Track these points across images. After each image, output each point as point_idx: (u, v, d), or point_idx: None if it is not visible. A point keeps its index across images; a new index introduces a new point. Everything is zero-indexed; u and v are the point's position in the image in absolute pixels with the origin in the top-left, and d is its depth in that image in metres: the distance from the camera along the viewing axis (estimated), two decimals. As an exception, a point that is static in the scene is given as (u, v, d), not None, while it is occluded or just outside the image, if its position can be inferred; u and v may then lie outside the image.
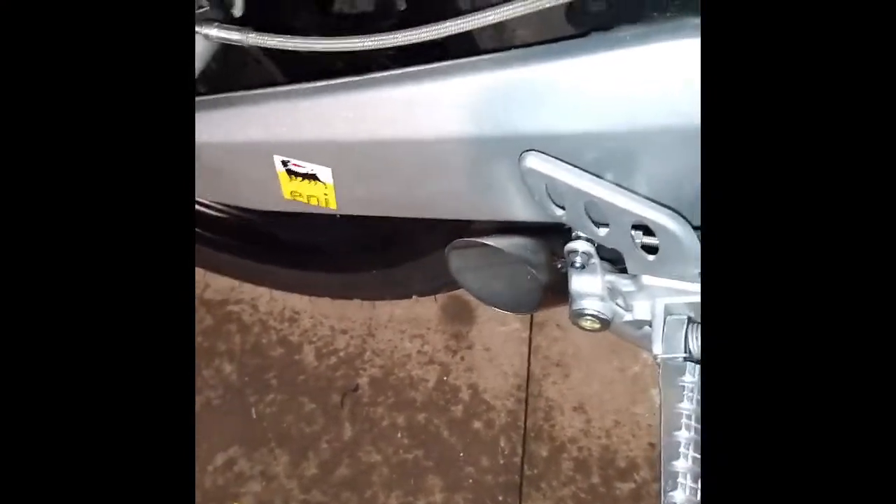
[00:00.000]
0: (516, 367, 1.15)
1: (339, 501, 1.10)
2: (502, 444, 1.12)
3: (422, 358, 1.16)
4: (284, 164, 0.61)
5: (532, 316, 1.17)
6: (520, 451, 1.11)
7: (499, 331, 1.17)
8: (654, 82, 0.49)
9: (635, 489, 1.08)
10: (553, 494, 1.09)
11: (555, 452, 1.11)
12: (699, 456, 0.49)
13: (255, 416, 1.14)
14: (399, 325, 1.17)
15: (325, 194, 0.62)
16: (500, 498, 1.10)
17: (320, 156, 0.59)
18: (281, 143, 0.59)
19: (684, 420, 0.50)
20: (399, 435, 1.13)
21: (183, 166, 0.42)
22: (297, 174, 0.61)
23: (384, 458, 1.12)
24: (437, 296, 1.17)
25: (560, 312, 1.24)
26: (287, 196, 0.64)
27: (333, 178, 0.60)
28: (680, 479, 0.48)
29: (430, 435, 1.13)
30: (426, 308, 1.18)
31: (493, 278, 0.63)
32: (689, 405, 0.51)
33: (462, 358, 1.16)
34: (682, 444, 0.49)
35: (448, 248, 0.61)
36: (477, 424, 1.13)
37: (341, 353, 1.16)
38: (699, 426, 0.50)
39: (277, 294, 1.16)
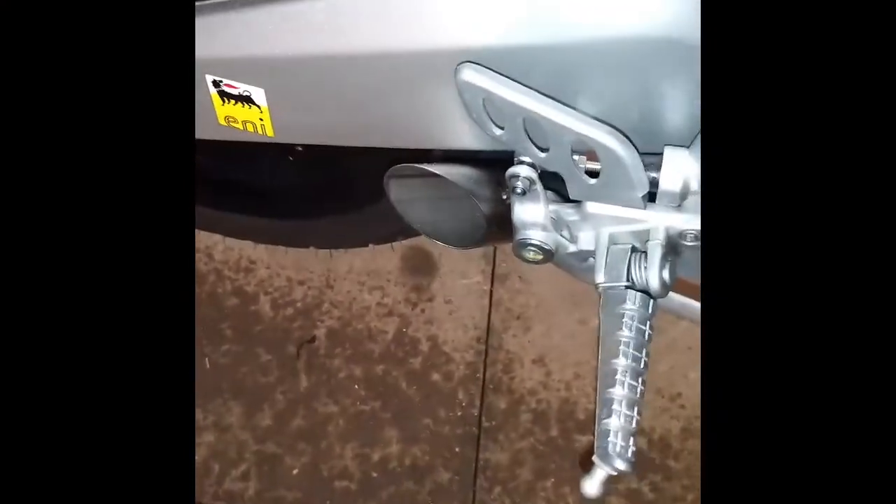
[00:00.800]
0: (477, 320, 1.13)
1: (294, 452, 1.09)
2: (460, 396, 1.10)
3: (381, 310, 1.14)
4: (216, 84, 0.57)
5: (494, 268, 1.16)
6: (478, 403, 1.10)
7: (460, 283, 1.15)
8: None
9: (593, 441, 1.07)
10: (511, 446, 1.08)
11: (513, 405, 1.10)
12: (636, 383, 0.48)
13: (208, 367, 1.11)
14: (358, 277, 1.15)
15: (261, 119, 0.59)
16: (457, 450, 1.09)
17: (253, 75, 0.56)
18: (212, 61, 0.56)
19: (622, 348, 0.48)
20: (356, 386, 1.11)
21: (182, 154, 0.41)
22: (230, 96, 0.58)
23: (340, 410, 1.10)
24: (399, 248, 1.15)
25: (523, 266, 1.23)
26: (222, 122, 0.61)
27: (267, 99, 0.57)
28: (615, 406, 0.46)
29: (387, 387, 1.11)
30: (387, 260, 1.15)
31: (437, 210, 0.61)
32: (628, 332, 0.49)
33: (422, 310, 1.14)
34: (619, 372, 0.48)
35: (387, 175, 0.58)
36: (435, 376, 1.11)
37: (298, 304, 1.14)
38: (637, 354, 0.48)
39: (233, 243, 1.13)
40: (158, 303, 0.40)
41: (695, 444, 1.07)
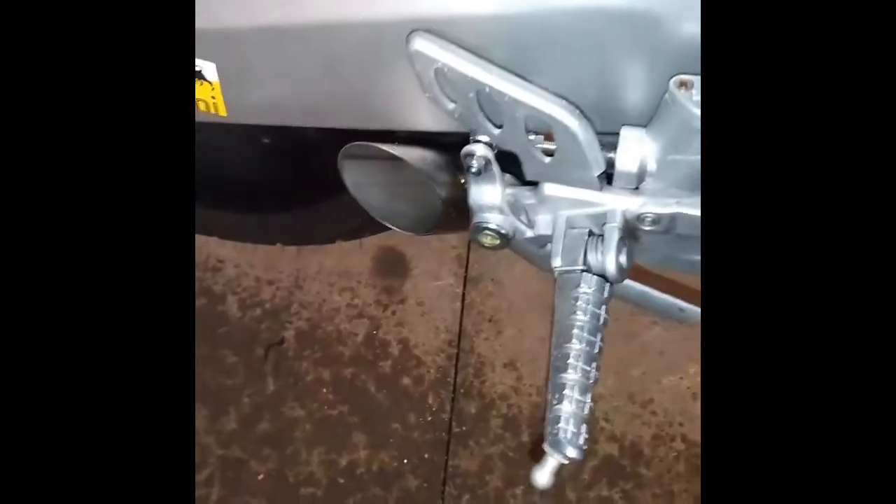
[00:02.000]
0: (448, 323, 1.11)
1: (259, 458, 1.06)
2: (430, 400, 1.08)
3: (351, 311, 1.12)
4: (166, 60, 0.56)
5: (466, 271, 1.14)
6: (448, 407, 1.08)
7: (432, 285, 1.13)
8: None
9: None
10: (481, 452, 1.06)
11: (484, 409, 1.07)
12: (588, 368, 0.46)
13: (173, 368, 1.09)
14: (328, 277, 1.13)
15: (213, 97, 0.58)
16: (427, 455, 1.06)
17: (203, 48, 0.54)
18: (160, 35, 0.54)
19: (576, 331, 0.46)
20: (324, 390, 1.09)
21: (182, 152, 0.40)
22: (180, 72, 0.56)
23: (308, 414, 1.07)
24: (370, 248, 1.13)
25: (496, 268, 1.21)
26: (173, 100, 0.59)
27: (219, 75, 0.55)
28: (567, 391, 0.44)
29: (356, 390, 1.08)
30: (357, 260, 1.13)
31: (393, 194, 0.59)
32: (582, 316, 0.47)
33: (393, 312, 1.12)
34: (572, 356, 0.46)
35: (342, 154, 0.56)
36: (406, 380, 1.09)
37: (266, 305, 1.12)
38: (591, 338, 0.46)
39: (201, 242, 1.11)
40: (159, 297, 0.39)
41: (666, 451, 1.05)
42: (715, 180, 0.37)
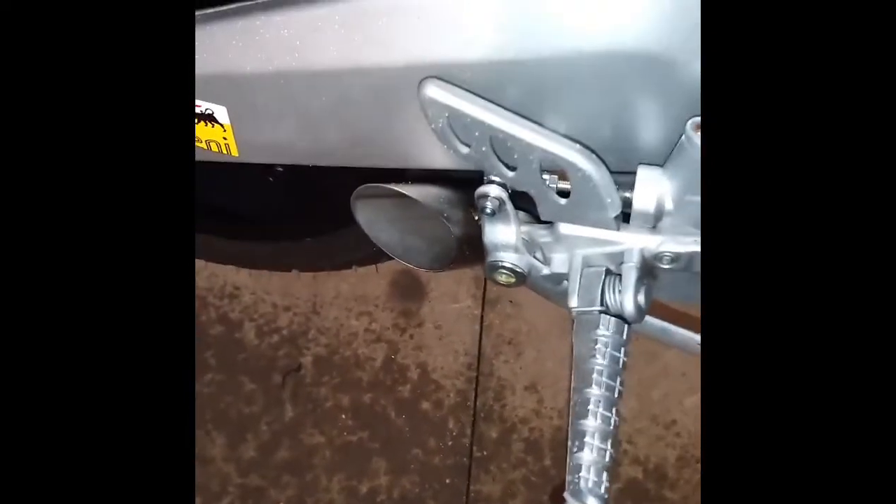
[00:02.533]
0: (467, 346, 1.10)
1: (279, 485, 1.06)
2: (451, 424, 1.07)
3: (369, 336, 1.11)
4: (177, 104, 0.56)
5: (485, 293, 1.13)
6: (469, 432, 1.07)
7: (450, 308, 1.13)
8: (566, 3, 0.44)
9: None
10: (503, 477, 1.05)
11: (505, 433, 1.07)
12: (609, 414, 0.45)
13: (192, 396, 1.09)
14: (346, 303, 1.12)
15: (225, 138, 0.57)
16: (448, 481, 1.05)
17: (214, 92, 0.54)
18: (172, 80, 0.54)
19: (595, 376, 0.45)
20: (343, 416, 1.08)
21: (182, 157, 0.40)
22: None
23: (327, 440, 1.07)
24: (387, 272, 1.13)
25: (514, 289, 1.20)
26: (186, 142, 0.59)
27: (230, 118, 0.55)
28: (587, 439, 0.44)
29: (375, 416, 1.08)
30: (374, 285, 1.13)
31: (406, 232, 0.58)
32: (601, 360, 0.46)
33: (411, 336, 1.11)
34: (592, 402, 0.45)
35: (354, 196, 0.56)
36: (425, 405, 1.08)
37: (284, 332, 1.11)
38: (611, 382, 0.46)
39: (217, 269, 1.11)
40: (158, 314, 0.39)
41: (691, 473, 1.03)
42: (714, 219, 0.37)
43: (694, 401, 1.07)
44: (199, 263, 1.11)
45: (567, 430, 1.07)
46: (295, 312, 1.12)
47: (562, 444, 1.06)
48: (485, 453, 1.06)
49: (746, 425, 0.35)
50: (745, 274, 0.36)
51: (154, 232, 0.40)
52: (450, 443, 1.07)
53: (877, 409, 0.35)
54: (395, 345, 1.11)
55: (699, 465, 1.04)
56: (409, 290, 1.13)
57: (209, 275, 1.13)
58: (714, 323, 0.36)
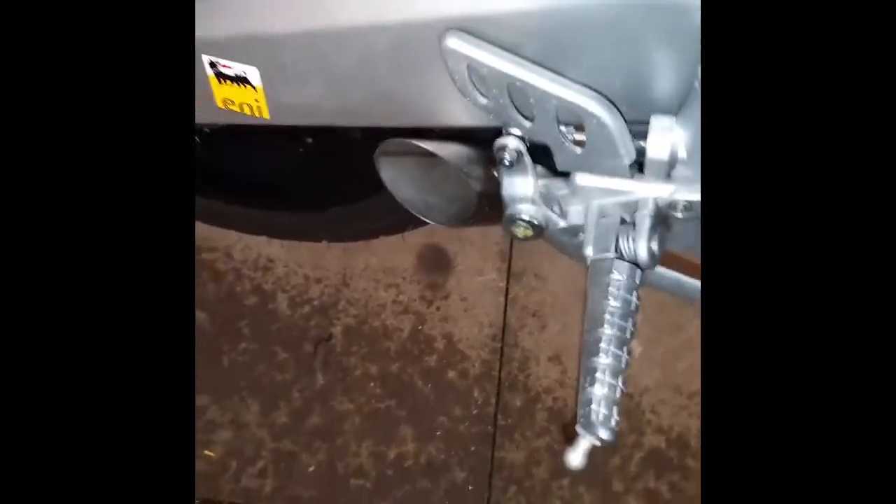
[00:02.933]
0: (492, 317, 1.13)
1: (310, 450, 1.09)
2: (476, 394, 1.09)
3: (397, 307, 1.14)
4: (213, 65, 0.59)
5: (510, 266, 1.15)
6: (493, 401, 1.09)
7: (476, 280, 1.15)
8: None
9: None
10: (527, 445, 1.07)
11: (529, 403, 1.09)
12: (620, 352, 0.47)
13: (226, 365, 1.12)
14: (374, 275, 1.15)
15: (257, 100, 0.60)
16: (473, 448, 1.08)
17: (247, 53, 0.57)
18: (207, 41, 0.57)
19: (607, 316, 0.47)
20: (372, 384, 1.11)
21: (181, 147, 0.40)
22: (226, 77, 0.59)
23: (356, 408, 1.10)
24: (414, 245, 1.15)
25: (538, 262, 1.22)
26: (220, 104, 0.62)
27: (262, 79, 0.58)
28: (598, 375, 0.46)
29: (403, 384, 1.11)
30: (402, 257, 1.15)
31: (428, 188, 0.61)
32: (613, 302, 0.48)
33: (438, 308, 1.14)
34: (604, 340, 0.47)
35: (378, 152, 0.58)
36: (451, 374, 1.11)
37: (315, 303, 1.15)
38: (622, 323, 0.47)
39: (252, 242, 1.15)
40: (158, 299, 0.39)
41: (714, 442, 1.05)
42: (715, 178, 0.38)
43: (717, 372, 1.08)
44: (234, 236, 1.15)
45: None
46: (326, 284, 1.15)
47: (585, 414, 1.08)
48: (509, 421, 1.08)
49: (746, 420, 0.36)
50: (745, 261, 0.37)
51: (154, 223, 0.40)
52: (475, 411, 1.09)
53: (878, 401, 0.35)
54: (421, 316, 1.13)
55: (722, 436, 1.05)
56: (435, 264, 1.16)
57: (244, 247, 1.16)
58: (714, 311, 0.37)
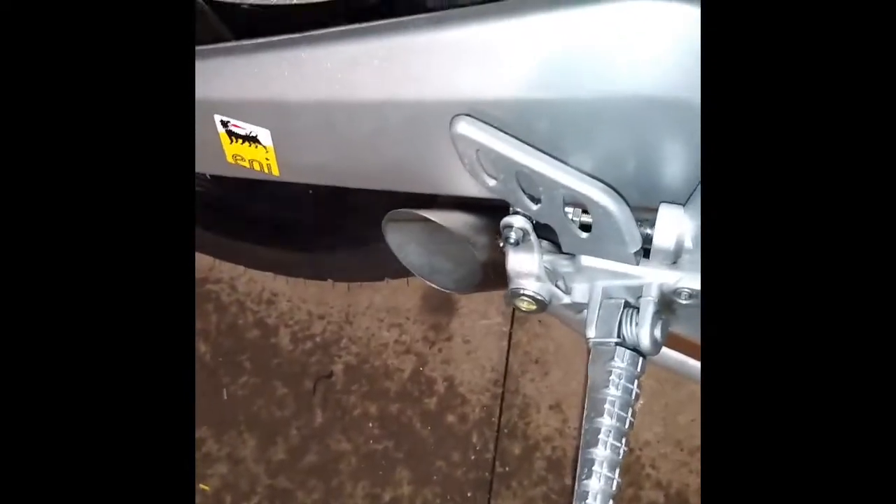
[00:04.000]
0: (494, 362, 1.12)
1: (306, 489, 1.09)
2: (475, 439, 1.09)
3: (399, 347, 1.14)
4: (224, 124, 0.59)
5: (514, 311, 1.15)
6: (492, 447, 1.09)
7: (479, 324, 1.15)
8: (595, 47, 0.46)
9: None
10: (524, 493, 1.06)
11: (528, 451, 1.08)
12: (618, 444, 0.46)
13: (226, 398, 1.12)
14: (377, 314, 1.15)
15: (267, 159, 0.60)
16: (470, 494, 1.07)
17: (259, 116, 0.57)
18: (221, 102, 0.57)
19: (607, 406, 0.47)
20: (370, 425, 1.11)
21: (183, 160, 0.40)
22: (237, 136, 0.59)
23: (354, 448, 1.10)
24: (419, 286, 1.15)
25: (543, 309, 1.22)
26: (230, 160, 0.62)
27: (273, 140, 0.58)
28: (595, 468, 0.45)
29: (401, 426, 1.10)
30: (406, 297, 1.15)
31: (434, 255, 0.61)
32: (615, 391, 0.48)
33: (440, 349, 1.13)
34: (603, 432, 0.46)
35: (385, 220, 0.58)
36: (450, 418, 1.10)
37: (317, 339, 1.15)
38: (622, 413, 0.47)
39: (257, 275, 1.15)
40: (159, 313, 0.39)
41: (712, 502, 1.04)
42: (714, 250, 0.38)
43: (718, 429, 1.07)
44: (238, 269, 1.15)
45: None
46: (329, 321, 1.15)
47: (584, 465, 1.07)
48: (507, 469, 1.08)
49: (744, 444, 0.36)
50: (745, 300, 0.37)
51: (155, 232, 0.40)
52: (473, 457, 1.08)
53: (877, 426, 0.35)
54: (423, 357, 1.13)
55: (721, 494, 1.04)
56: (439, 305, 1.16)
57: (248, 280, 1.16)
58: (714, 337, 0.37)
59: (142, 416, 0.39)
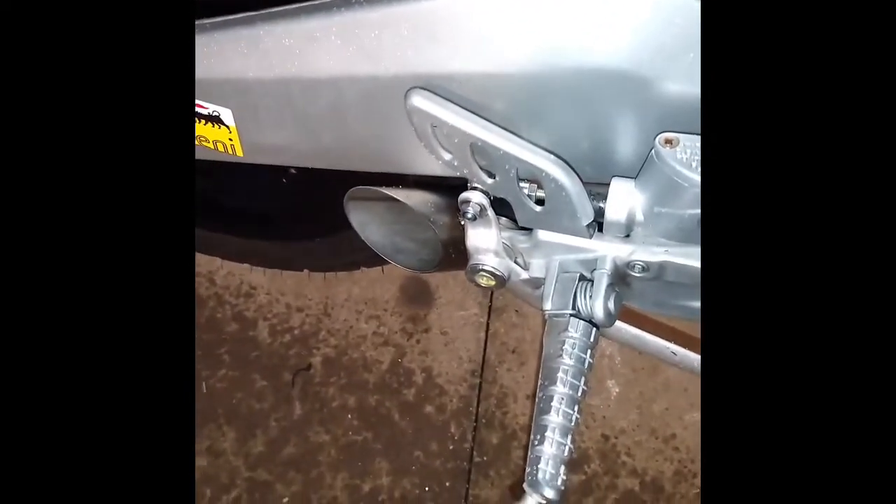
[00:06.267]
0: (472, 353, 1.13)
1: (285, 481, 1.09)
2: (453, 429, 1.09)
3: (377, 339, 1.14)
4: (187, 106, 0.59)
5: (491, 301, 1.15)
6: (470, 437, 1.09)
7: (457, 315, 1.15)
8: (545, 21, 0.47)
9: (585, 481, 1.05)
10: (501, 483, 1.07)
11: (506, 440, 1.09)
12: (571, 411, 0.47)
13: (205, 391, 1.13)
14: (356, 306, 1.16)
15: (230, 139, 0.61)
16: (448, 484, 1.07)
17: (220, 95, 0.58)
18: (182, 84, 0.58)
19: (560, 375, 0.48)
20: (349, 416, 1.11)
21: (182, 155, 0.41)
22: (200, 116, 0.60)
23: (332, 439, 1.10)
24: (397, 277, 1.16)
25: (520, 301, 1.22)
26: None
27: (235, 120, 0.59)
28: (548, 434, 0.46)
29: (380, 417, 1.11)
30: (384, 289, 1.16)
31: (397, 234, 0.61)
32: (568, 360, 0.48)
33: (418, 341, 1.14)
34: (556, 399, 0.47)
35: (347, 197, 0.59)
36: (429, 409, 1.11)
37: (296, 332, 1.15)
38: (575, 382, 0.48)
39: (235, 268, 1.16)
40: (159, 319, 0.40)
41: (688, 487, 1.04)
42: (713, 236, 0.38)
43: (694, 416, 1.08)
44: (216, 262, 1.16)
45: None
46: (307, 314, 1.15)
47: (561, 454, 1.07)
48: (485, 458, 1.08)
49: (745, 437, 0.36)
50: (744, 289, 0.37)
51: (155, 228, 0.41)
52: (451, 447, 1.09)
53: (877, 423, 0.35)
54: (401, 349, 1.14)
55: (696, 480, 1.05)
56: (417, 296, 1.16)
57: (226, 273, 1.17)
58: (713, 333, 0.37)
59: (142, 415, 0.39)
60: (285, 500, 1.08)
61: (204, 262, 1.15)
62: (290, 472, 1.09)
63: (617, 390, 1.10)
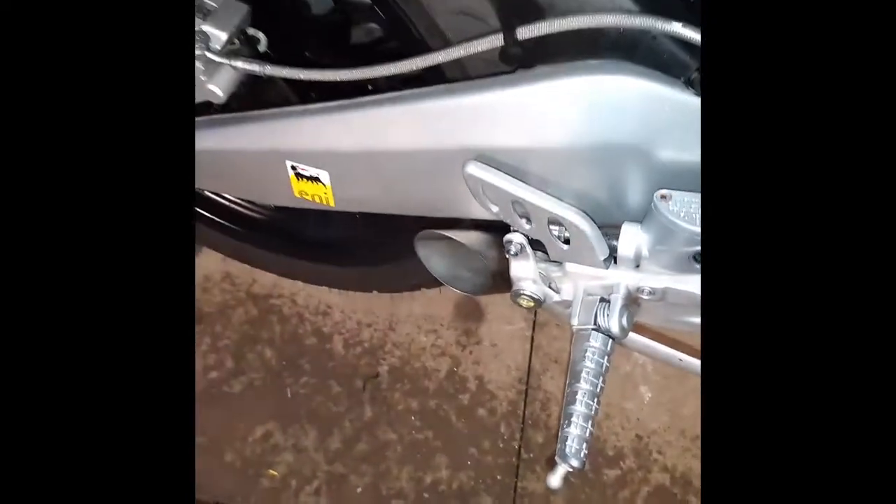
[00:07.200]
0: (518, 362, 1.28)
1: (358, 473, 1.24)
2: (503, 429, 1.24)
3: (435, 351, 1.30)
4: (293, 168, 0.77)
5: (535, 317, 1.30)
6: (518, 436, 1.24)
7: (505, 329, 1.30)
8: (561, 110, 0.62)
9: (621, 475, 1.19)
10: (546, 476, 1.21)
11: (550, 439, 1.23)
12: (592, 403, 0.62)
13: (290, 396, 1.28)
14: (416, 321, 1.31)
15: (326, 194, 0.78)
16: (499, 477, 1.22)
17: (320, 162, 0.75)
18: (291, 151, 0.75)
19: (584, 375, 0.63)
20: (412, 418, 1.26)
21: (183, 172, 0.42)
22: (303, 176, 0.77)
23: (398, 437, 1.25)
24: (452, 296, 1.31)
25: (563, 315, 1.37)
26: (297, 194, 0.80)
27: (331, 180, 0.76)
28: (574, 419, 0.61)
29: (439, 419, 1.26)
30: (441, 306, 1.32)
31: (455, 266, 0.77)
32: (589, 364, 0.63)
33: (471, 352, 1.29)
34: (580, 393, 0.62)
35: (416, 238, 0.75)
36: (481, 412, 1.26)
37: (365, 344, 1.31)
38: (595, 381, 0.63)
39: (313, 290, 1.33)
40: (160, 310, 0.40)
41: (711, 480, 1.17)
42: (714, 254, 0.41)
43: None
44: (299, 285, 1.33)
45: (605, 440, 1.22)
46: (375, 329, 1.32)
47: (599, 452, 1.21)
48: (531, 455, 1.22)
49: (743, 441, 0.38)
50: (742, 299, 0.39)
51: (155, 228, 0.40)
52: (501, 445, 1.23)
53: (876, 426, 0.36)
54: (457, 359, 1.29)
55: (721, 475, 1.17)
56: (470, 313, 1.32)
57: (307, 295, 1.34)
58: (713, 339, 0.39)
59: (142, 414, 0.39)
60: (359, 489, 1.24)
61: (288, 285, 1.33)
62: (363, 465, 1.24)
63: (649, 395, 1.23)
